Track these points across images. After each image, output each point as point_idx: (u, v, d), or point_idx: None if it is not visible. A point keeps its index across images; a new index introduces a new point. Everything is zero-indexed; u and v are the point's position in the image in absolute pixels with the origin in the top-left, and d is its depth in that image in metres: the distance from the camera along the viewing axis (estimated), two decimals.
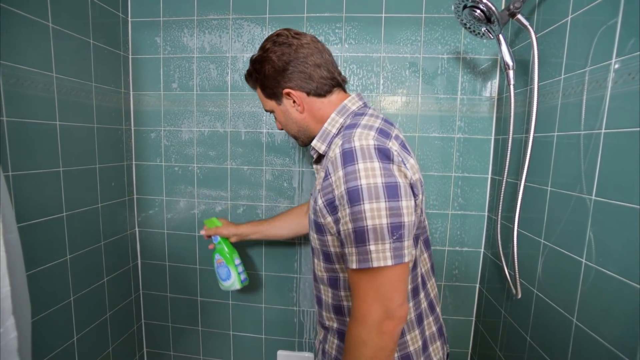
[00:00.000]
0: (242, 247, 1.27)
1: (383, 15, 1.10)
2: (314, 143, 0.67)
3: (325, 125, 0.65)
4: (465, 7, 0.84)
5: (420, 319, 0.66)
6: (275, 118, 0.74)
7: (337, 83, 0.67)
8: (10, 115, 0.81)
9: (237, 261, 1.03)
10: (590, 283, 0.66)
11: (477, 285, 1.21)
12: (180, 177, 1.27)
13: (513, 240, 0.86)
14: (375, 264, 0.49)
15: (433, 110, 1.13)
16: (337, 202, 0.54)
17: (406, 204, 0.50)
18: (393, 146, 0.53)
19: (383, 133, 0.55)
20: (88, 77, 1.05)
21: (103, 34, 1.10)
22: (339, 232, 0.56)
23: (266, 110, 0.74)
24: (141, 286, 1.36)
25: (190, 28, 1.19)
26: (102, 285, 1.15)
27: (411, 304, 0.64)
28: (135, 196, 1.31)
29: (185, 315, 1.35)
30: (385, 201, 0.48)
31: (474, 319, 1.23)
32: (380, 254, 0.49)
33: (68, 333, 1.02)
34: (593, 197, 0.65)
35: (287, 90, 0.65)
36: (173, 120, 1.25)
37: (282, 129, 0.75)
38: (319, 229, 0.61)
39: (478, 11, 0.82)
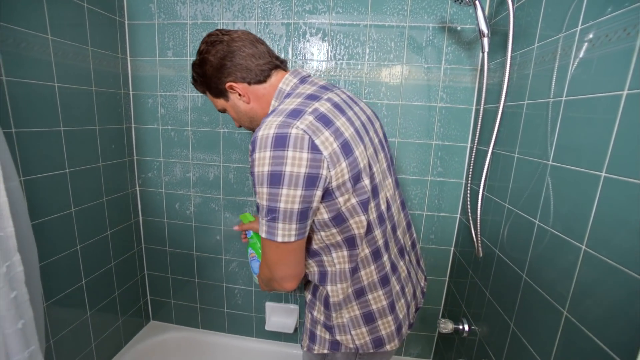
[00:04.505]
0: (229, 206, 1.36)
1: None
2: None
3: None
4: None
5: (361, 293, 0.68)
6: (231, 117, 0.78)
7: (275, 65, 0.69)
8: (9, 75, 0.87)
9: None
10: (540, 241, 0.71)
11: (452, 249, 1.29)
12: (176, 141, 1.34)
13: (477, 203, 0.91)
14: (260, 231, 0.61)
15: (417, 79, 1.15)
16: None
17: (287, 192, 0.54)
18: (300, 125, 0.55)
19: (293, 114, 0.57)
20: (84, 41, 1.10)
21: None
22: None
23: (219, 111, 0.77)
24: (143, 241, 1.48)
25: None
26: (106, 238, 1.27)
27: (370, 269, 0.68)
28: (135, 157, 1.39)
29: (182, 268, 1.48)
30: (267, 187, 0.55)
31: (447, 279, 1.32)
32: (260, 226, 0.59)
33: (77, 276, 1.14)
34: (550, 163, 0.69)
35: (229, 84, 0.67)
36: (168, 86, 1.30)
37: (240, 127, 0.79)
38: None
39: None
